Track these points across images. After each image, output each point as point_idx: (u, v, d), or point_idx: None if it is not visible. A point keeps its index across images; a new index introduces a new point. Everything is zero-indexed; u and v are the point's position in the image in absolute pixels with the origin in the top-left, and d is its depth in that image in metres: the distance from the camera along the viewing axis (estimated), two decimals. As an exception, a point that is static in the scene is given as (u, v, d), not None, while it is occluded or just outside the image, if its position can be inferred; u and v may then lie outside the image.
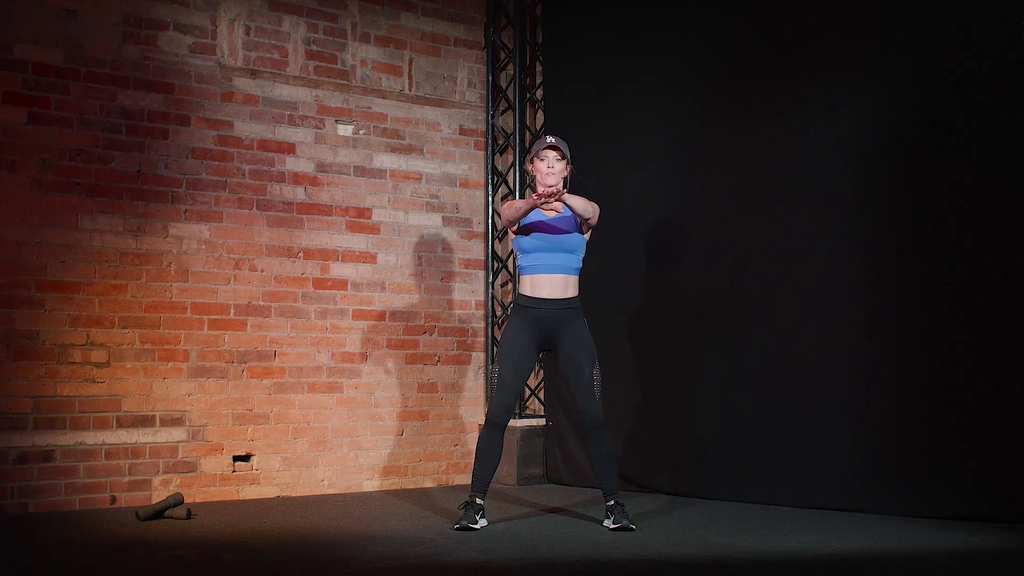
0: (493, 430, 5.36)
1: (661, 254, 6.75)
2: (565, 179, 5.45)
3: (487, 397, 7.39)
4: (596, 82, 7.22)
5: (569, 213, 5.37)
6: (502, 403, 5.35)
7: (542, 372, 7.52)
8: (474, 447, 7.21)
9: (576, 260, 5.41)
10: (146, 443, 6.16)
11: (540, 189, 5.35)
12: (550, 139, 5.44)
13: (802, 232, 6.09)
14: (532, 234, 5.36)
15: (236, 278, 6.51)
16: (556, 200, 5.20)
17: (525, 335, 5.37)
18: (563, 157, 5.41)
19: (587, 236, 5.47)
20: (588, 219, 5.33)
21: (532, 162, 5.47)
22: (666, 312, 6.70)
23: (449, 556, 4.52)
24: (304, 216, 6.77)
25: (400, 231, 7.17)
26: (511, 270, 7.54)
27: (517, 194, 7.49)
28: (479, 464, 5.37)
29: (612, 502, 5.32)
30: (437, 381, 7.28)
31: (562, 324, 5.37)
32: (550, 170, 5.38)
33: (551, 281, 5.36)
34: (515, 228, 5.44)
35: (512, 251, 7.52)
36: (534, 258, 5.37)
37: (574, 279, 5.42)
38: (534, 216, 5.38)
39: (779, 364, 6.14)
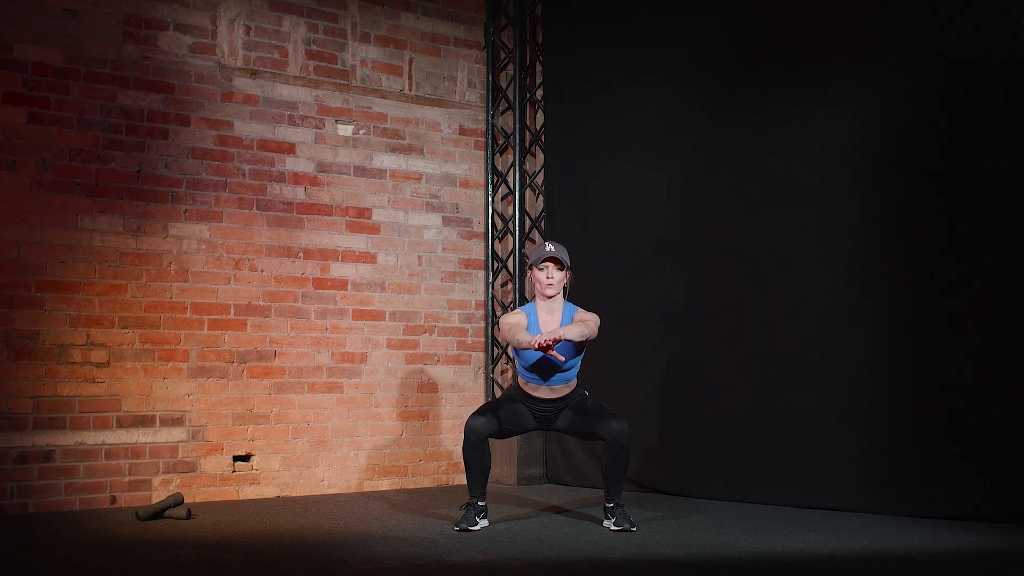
0: (474, 447, 5.32)
1: (661, 254, 6.75)
2: (565, 287, 5.44)
3: (486, 397, 7.39)
4: (596, 82, 7.22)
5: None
6: (484, 426, 5.29)
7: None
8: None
9: (573, 374, 5.43)
10: (146, 443, 6.16)
11: (539, 337, 5.11)
12: (549, 248, 5.37)
13: (802, 232, 6.09)
14: (532, 362, 5.33)
15: (236, 278, 6.51)
16: (556, 342, 5.07)
17: (524, 410, 5.44)
18: (562, 267, 5.37)
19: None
20: (589, 339, 5.30)
21: (531, 270, 5.44)
22: (666, 312, 6.70)
23: (449, 556, 4.52)
24: (304, 216, 6.77)
25: (400, 231, 7.17)
26: (511, 270, 7.54)
27: (516, 194, 7.49)
28: (470, 476, 5.36)
29: (613, 504, 5.31)
30: (437, 381, 7.28)
31: (562, 408, 5.43)
32: (549, 280, 5.36)
33: (551, 389, 5.40)
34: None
35: (512, 251, 7.52)
36: (532, 375, 5.38)
37: (574, 380, 5.45)
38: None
39: (779, 364, 6.14)
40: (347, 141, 6.99)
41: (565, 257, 5.37)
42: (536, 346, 5.04)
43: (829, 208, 5.99)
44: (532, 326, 5.36)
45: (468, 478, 5.37)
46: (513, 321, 5.35)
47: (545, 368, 5.31)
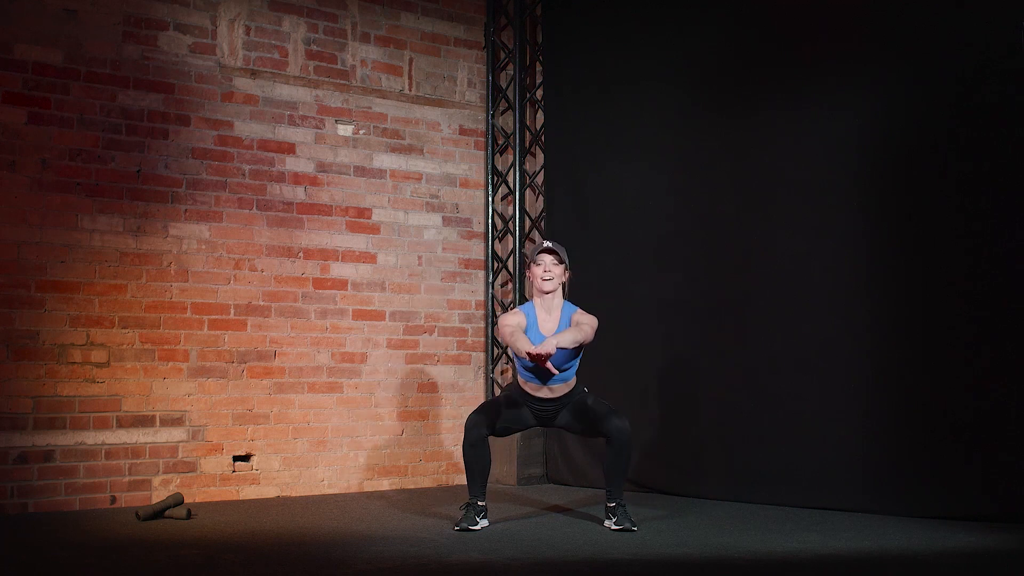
0: (473, 446, 5.32)
1: (661, 254, 6.75)
2: (564, 285, 5.44)
3: (486, 397, 7.39)
4: (596, 82, 7.22)
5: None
6: (480, 424, 5.30)
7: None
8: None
9: (572, 374, 5.42)
10: (146, 443, 6.16)
11: (534, 348, 5.12)
12: (547, 244, 5.41)
13: (802, 231, 6.09)
14: (531, 365, 5.31)
15: (236, 278, 6.51)
16: (549, 353, 5.05)
17: (524, 408, 5.45)
18: (560, 262, 5.38)
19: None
20: (585, 343, 5.31)
21: (529, 267, 5.45)
22: (666, 312, 6.70)
23: (449, 556, 4.52)
24: (304, 216, 6.77)
25: (400, 231, 7.17)
26: (511, 270, 7.54)
27: (516, 194, 7.49)
28: (470, 475, 5.36)
29: (614, 504, 5.31)
30: (437, 381, 7.28)
31: (562, 407, 5.43)
32: (547, 275, 5.36)
33: (550, 390, 5.40)
34: None
35: (512, 251, 7.52)
36: (530, 375, 5.38)
37: (572, 380, 5.44)
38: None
39: (779, 364, 6.14)
40: (347, 141, 6.99)
41: (563, 253, 5.39)
42: (529, 356, 5.06)
43: (829, 208, 5.99)
44: (531, 327, 5.37)
45: (468, 477, 5.37)
46: (513, 323, 5.36)
47: (543, 371, 5.31)
